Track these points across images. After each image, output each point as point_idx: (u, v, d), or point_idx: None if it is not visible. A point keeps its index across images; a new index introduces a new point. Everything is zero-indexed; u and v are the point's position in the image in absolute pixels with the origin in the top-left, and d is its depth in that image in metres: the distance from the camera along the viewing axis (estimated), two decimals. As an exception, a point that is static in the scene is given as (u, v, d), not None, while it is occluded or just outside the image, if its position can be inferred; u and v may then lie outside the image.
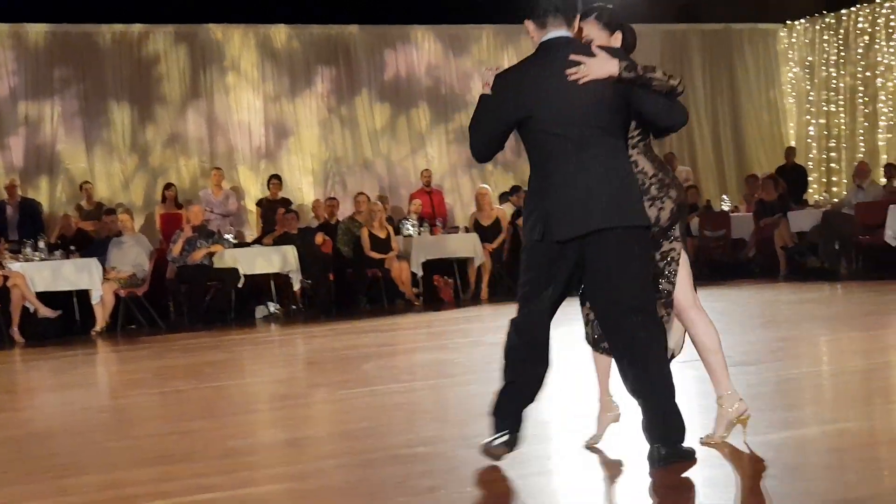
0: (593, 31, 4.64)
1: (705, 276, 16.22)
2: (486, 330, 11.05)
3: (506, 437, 4.52)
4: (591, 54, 4.36)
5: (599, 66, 4.31)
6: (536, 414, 5.68)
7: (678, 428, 4.34)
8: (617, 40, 4.68)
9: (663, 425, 4.31)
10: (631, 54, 4.60)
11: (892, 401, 5.57)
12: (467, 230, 15.67)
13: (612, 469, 4.49)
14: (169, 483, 4.69)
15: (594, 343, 4.84)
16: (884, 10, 18.49)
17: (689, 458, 4.34)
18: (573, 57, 4.36)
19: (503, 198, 16.91)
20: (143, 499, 4.41)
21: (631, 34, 4.79)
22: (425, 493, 4.18)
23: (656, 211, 4.54)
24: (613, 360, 4.59)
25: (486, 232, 15.22)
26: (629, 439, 4.86)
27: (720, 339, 4.68)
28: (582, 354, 7.40)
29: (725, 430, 4.66)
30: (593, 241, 4.34)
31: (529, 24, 4.58)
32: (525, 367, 4.61)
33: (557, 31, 4.48)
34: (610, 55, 4.36)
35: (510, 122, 4.53)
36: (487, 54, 18.63)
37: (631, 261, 4.34)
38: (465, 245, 15.00)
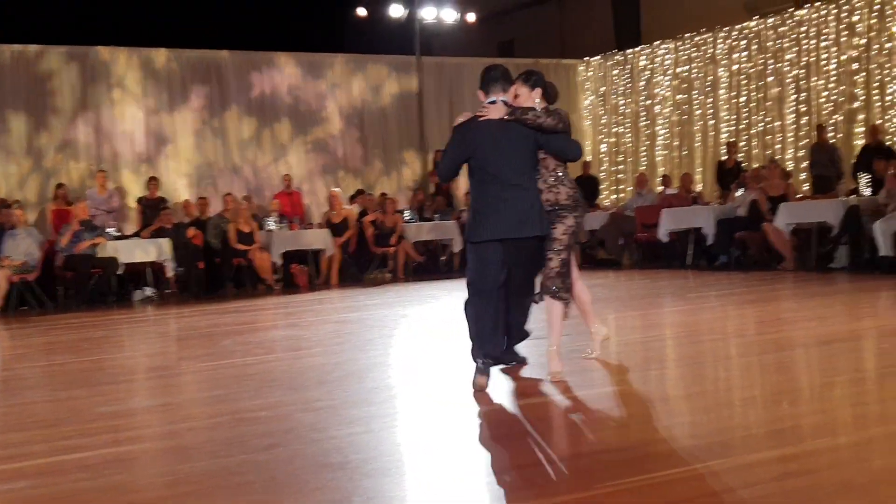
0: (521, 89, 5.54)
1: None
2: (333, 310, 10.98)
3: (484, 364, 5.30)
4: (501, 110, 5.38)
5: (495, 112, 5.36)
6: (368, 382, 5.65)
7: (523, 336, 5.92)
8: (538, 94, 5.56)
9: (520, 336, 5.88)
10: (554, 101, 5.72)
11: (664, 367, 5.69)
12: (321, 226, 15.51)
13: (423, 429, 4.48)
14: (37, 445, 4.47)
15: (559, 293, 5.51)
16: (660, 52, 19.05)
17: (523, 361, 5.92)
18: (478, 111, 5.45)
19: (352, 199, 16.84)
20: (8, 461, 4.19)
21: (551, 88, 5.75)
22: (263, 450, 4.08)
23: (571, 215, 5.47)
24: (508, 297, 5.58)
25: (336, 228, 15.10)
26: (441, 414, 4.85)
27: (590, 296, 6.08)
28: (408, 332, 7.33)
29: (598, 349, 6.06)
30: (507, 243, 5.31)
31: (480, 93, 5.56)
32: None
33: (494, 96, 5.46)
34: (504, 106, 5.38)
35: (462, 159, 5.47)
36: (340, 78, 18.51)
37: (529, 255, 5.40)
38: (319, 238, 14.85)
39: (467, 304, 5.46)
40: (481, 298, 5.38)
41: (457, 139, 5.46)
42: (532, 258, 5.44)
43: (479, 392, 5.10)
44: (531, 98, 5.51)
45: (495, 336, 5.49)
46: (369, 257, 15.29)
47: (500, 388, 5.25)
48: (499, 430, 4.33)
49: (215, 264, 14.34)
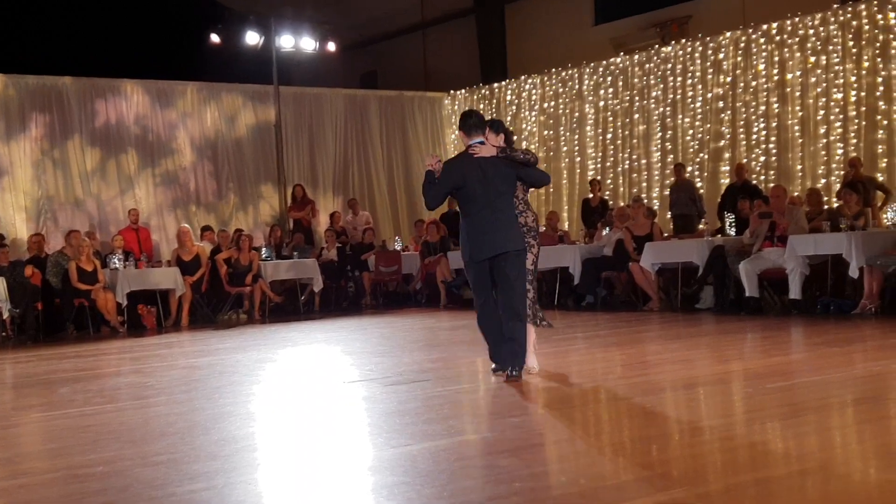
0: (490, 134, 7.05)
1: (380, 305, 16.46)
2: (182, 354, 10.69)
3: (498, 367, 7.02)
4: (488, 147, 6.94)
5: (487, 150, 6.87)
6: (214, 434, 5.46)
7: (522, 359, 6.93)
8: (500, 138, 7.10)
9: (520, 356, 6.88)
10: (512, 140, 7.35)
11: (513, 414, 5.68)
12: (170, 264, 15.13)
13: (270, 485, 4.34)
14: None
15: (533, 319, 7.26)
16: (526, 86, 19.42)
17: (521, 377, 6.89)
18: (472, 149, 6.91)
19: (203, 235, 16.53)
20: None
21: (507, 132, 7.27)
22: (97, 512, 3.88)
23: (535, 242, 7.23)
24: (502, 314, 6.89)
25: (187, 266, 14.76)
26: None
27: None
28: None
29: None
30: (498, 259, 6.81)
31: (461, 134, 7.05)
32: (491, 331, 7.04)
33: (477, 138, 6.97)
34: (492, 146, 6.93)
35: (452, 187, 6.86)
36: (192, 107, 18.23)
37: (519, 267, 6.86)
38: (168, 277, 14.48)
39: (479, 319, 7.06)
40: (485, 310, 6.96)
41: (449, 172, 6.86)
42: (515, 265, 6.83)
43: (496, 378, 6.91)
44: (498, 141, 7.06)
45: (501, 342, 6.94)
46: (223, 297, 14.99)
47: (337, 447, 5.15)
48: (339, 488, 4.23)
49: (55, 305, 13.86)
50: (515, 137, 19.18)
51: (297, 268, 15.76)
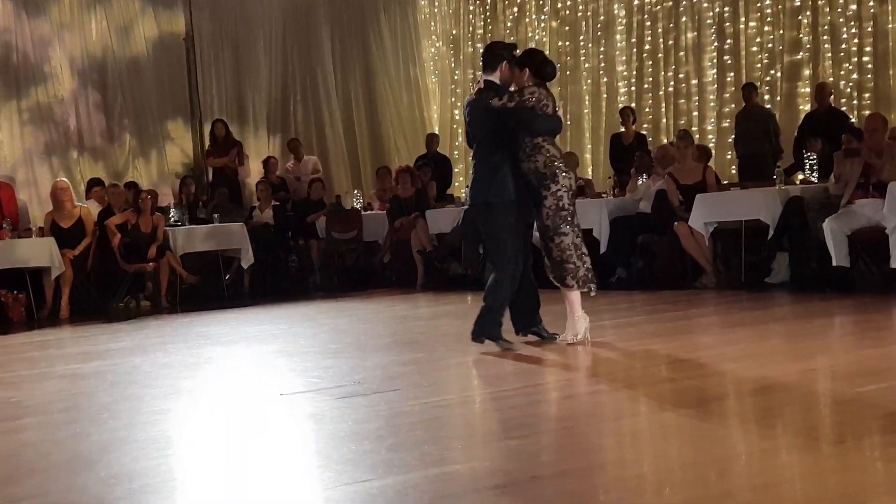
0: (508, 71, 8.57)
1: (334, 286, 16.43)
2: (61, 358, 10.66)
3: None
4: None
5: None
6: (101, 469, 5.42)
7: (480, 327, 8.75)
8: (525, 74, 8.57)
9: (478, 323, 8.73)
10: (550, 80, 8.76)
11: (511, 435, 5.64)
12: (43, 233, 15.07)
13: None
14: None
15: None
16: (533, -20, 19.33)
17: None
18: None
19: (88, 193, 16.46)
20: None
21: (542, 67, 8.66)
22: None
23: (543, 189, 8.48)
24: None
25: (66, 235, 14.72)
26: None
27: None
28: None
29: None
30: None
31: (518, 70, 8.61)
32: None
33: (486, 77, 8.62)
34: (492, 90, 8.49)
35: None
36: (70, 16, 18.13)
37: (484, 223, 8.83)
38: (40, 252, 14.41)
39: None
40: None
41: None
42: (480, 220, 8.78)
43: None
44: (521, 77, 8.54)
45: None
46: (117, 278, 14.94)
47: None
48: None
49: None
50: (519, 51, 19.19)
51: (219, 236, 15.72)
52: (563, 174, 8.54)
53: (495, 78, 8.55)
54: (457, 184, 19.25)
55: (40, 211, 17.02)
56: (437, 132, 19.72)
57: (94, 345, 11.31)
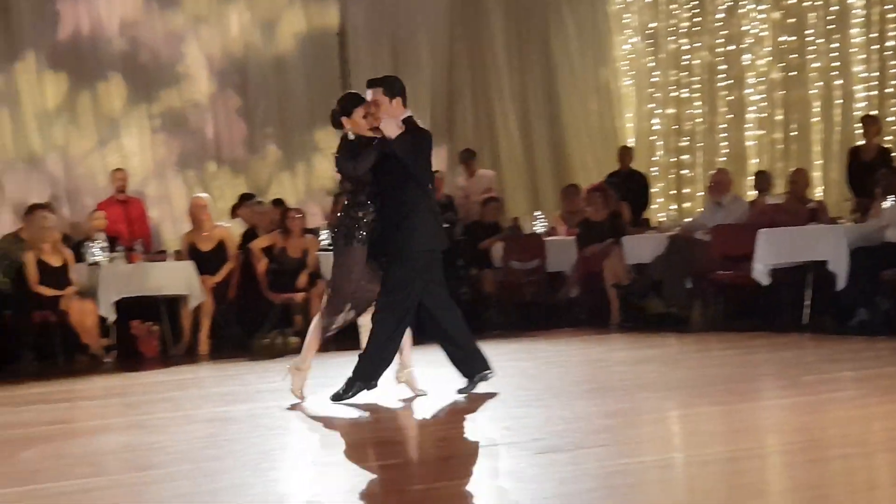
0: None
1: (512, 323, 16.43)
2: (205, 399, 10.90)
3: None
4: None
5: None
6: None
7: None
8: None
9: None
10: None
11: (765, 501, 5.65)
12: (179, 257, 15.41)
13: None
14: None
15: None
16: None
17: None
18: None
19: (233, 212, 16.74)
20: None
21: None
22: None
23: None
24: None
25: (205, 259, 15.02)
26: None
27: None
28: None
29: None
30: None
31: (398, 101, 9.45)
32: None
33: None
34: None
35: None
36: (207, 8, 18.45)
37: None
38: (176, 278, 14.75)
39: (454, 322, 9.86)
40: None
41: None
42: None
43: None
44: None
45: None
46: (262, 309, 15.16)
47: None
48: None
49: (4, 320, 14.21)
50: (732, 47, 19.04)
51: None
52: None
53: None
54: (655, 205, 19.17)
55: (173, 231, 17.40)
56: (631, 144, 19.59)
57: (241, 384, 11.51)
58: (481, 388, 9.50)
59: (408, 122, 9.36)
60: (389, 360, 9.52)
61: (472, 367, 9.66)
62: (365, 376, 9.40)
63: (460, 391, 9.55)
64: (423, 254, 9.44)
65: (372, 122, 9.28)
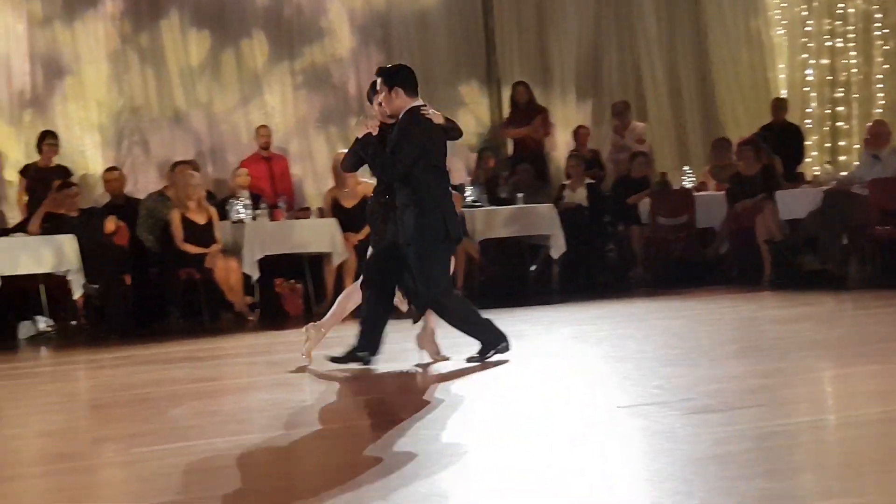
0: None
1: (660, 280, 16.37)
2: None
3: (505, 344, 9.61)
4: None
5: (438, 118, 9.69)
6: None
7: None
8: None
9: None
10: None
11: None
12: (323, 214, 15.54)
13: None
14: None
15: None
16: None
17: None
18: (423, 111, 9.57)
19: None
20: None
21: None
22: None
23: None
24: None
25: (349, 216, 15.12)
26: None
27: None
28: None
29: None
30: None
31: (402, 91, 9.53)
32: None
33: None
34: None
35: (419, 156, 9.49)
36: (352, -40, 18.54)
37: None
38: (320, 235, 14.91)
39: (454, 307, 9.58)
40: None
41: (428, 135, 9.36)
42: None
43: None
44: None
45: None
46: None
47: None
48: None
49: (150, 278, 14.44)
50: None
51: (525, 219, 15.88)
52: None
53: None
54: (809, 159, 18.94)
55: (316, 188, 17.54)
56: (784, 96, 19.38)
57: (386, 343, 11.63)
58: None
59: (410, 112, 9.35)
60: (487, 325, 9.64)
61: (366, 345, 9.72)
62: (490, 342, 9.58)
63: (333, 359, 9.76)
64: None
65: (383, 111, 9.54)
